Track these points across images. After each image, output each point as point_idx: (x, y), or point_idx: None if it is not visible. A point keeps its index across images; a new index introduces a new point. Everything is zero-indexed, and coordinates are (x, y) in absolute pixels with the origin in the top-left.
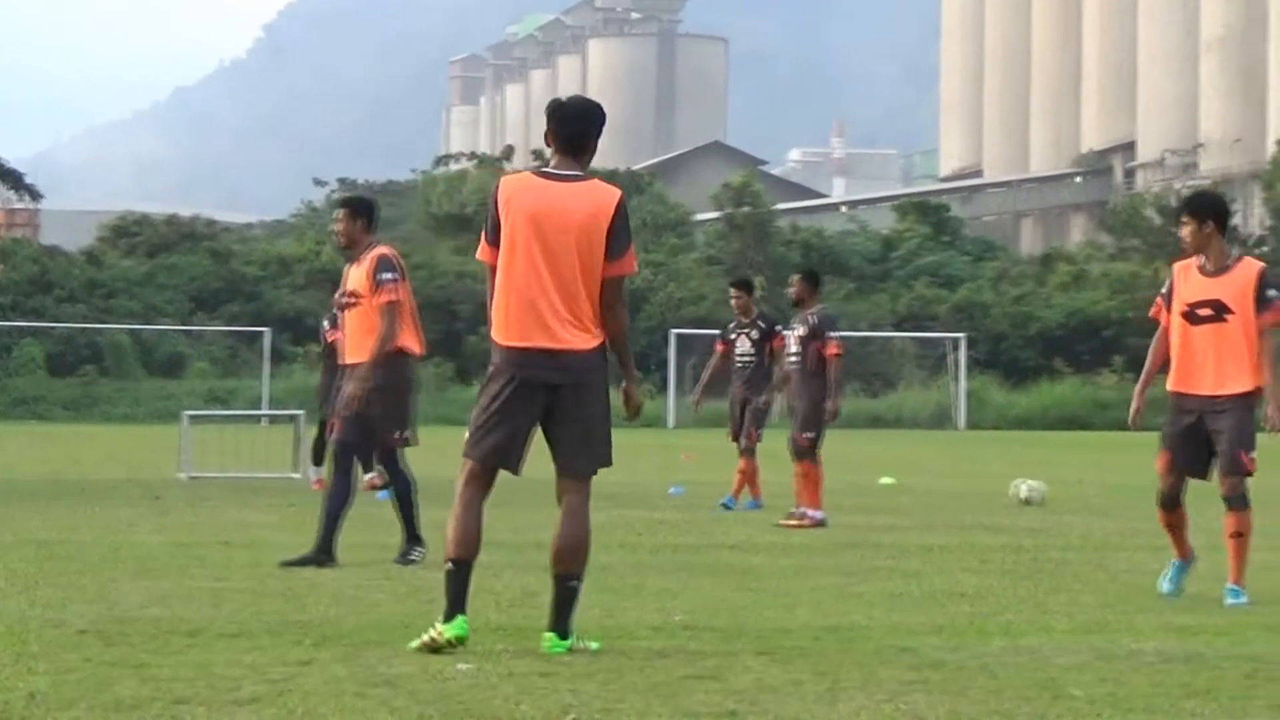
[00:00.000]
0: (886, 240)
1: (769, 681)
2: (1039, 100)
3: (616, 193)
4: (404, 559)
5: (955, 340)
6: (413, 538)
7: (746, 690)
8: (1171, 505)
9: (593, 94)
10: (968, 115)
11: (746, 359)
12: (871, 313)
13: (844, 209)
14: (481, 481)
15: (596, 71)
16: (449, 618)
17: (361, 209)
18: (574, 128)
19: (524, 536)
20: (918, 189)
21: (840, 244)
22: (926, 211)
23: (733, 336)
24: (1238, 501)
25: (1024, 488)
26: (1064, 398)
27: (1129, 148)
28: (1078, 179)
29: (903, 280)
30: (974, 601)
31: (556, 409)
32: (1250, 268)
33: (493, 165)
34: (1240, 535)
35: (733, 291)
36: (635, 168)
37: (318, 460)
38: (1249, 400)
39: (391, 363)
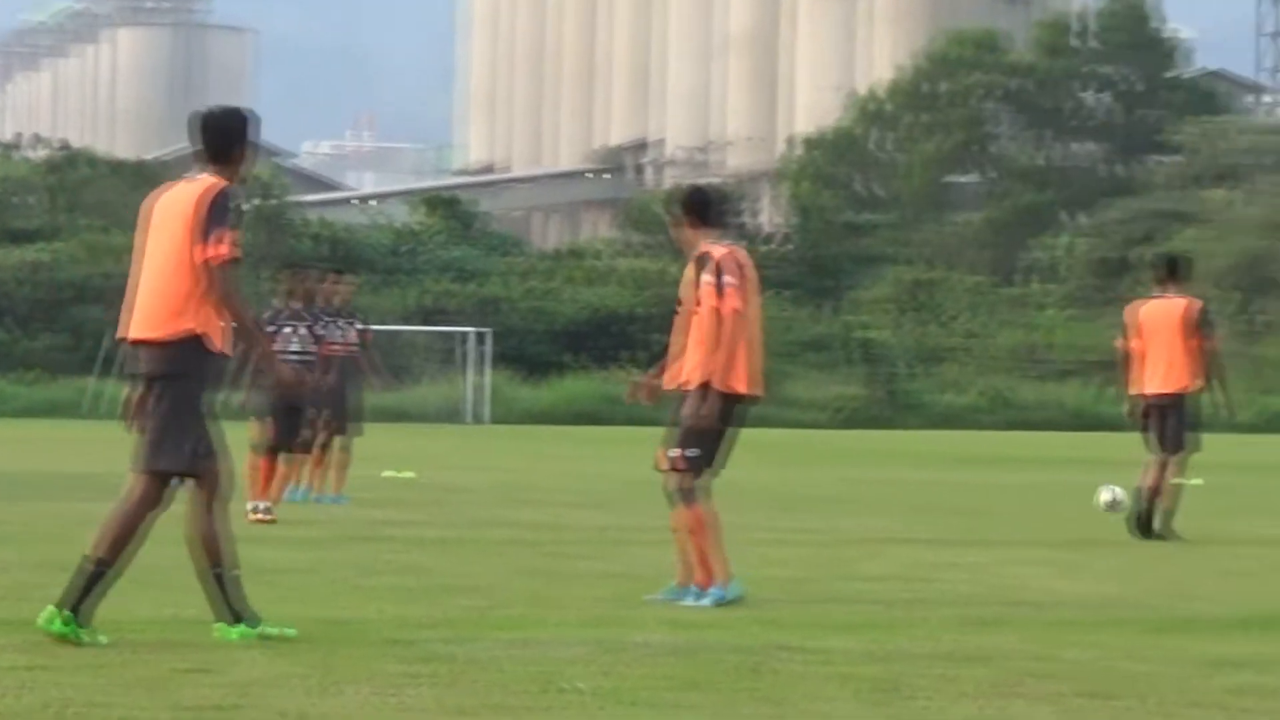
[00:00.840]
0: (406, 234)
1: (269, 674)
2: (562, 96)
3: (219, 183)
4: None
5: (474, 334)
6: None
7: (244, 683)
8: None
9: (117, 84)
10: (491, 110)
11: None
12: (390, 306)
13: (368, 202)
14: None
15: (119, 61)
16: None
17: None
18: (212, 137)
19: (34, 528)
20: (440, 183)
21: (360, 237)
22: (447, 205)
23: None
24: (676, 498)
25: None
26: (582, 393)
27: (649, 144)
28: (598, 175)
29: (421, 274)
30: (480, 595)
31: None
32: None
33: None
34: (683, 532)
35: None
36: (153, 157)
37: None
38: (698, 393)
39: None
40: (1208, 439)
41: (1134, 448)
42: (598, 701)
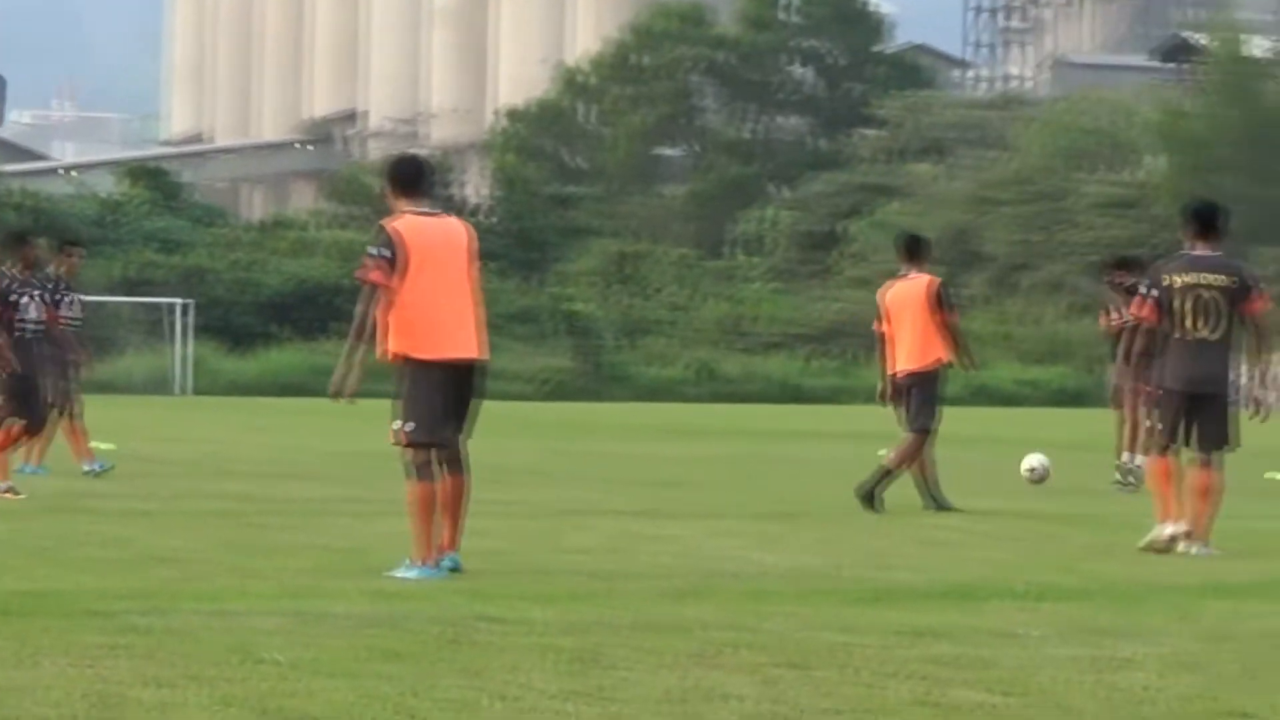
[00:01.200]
0: (110, 204)
1: None
2: (268, 67)
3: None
4: None
5: (179, 305)
6: None
7: None
8: None
9: None
10: (196, 80)
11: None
12: (93, 278)
13: (70, 172)
14: None
15: None
16: None
17: None
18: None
19: None
20: (144, 153)
21: (63, 208)
22: (152, 176)
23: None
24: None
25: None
26: (288, 364)
27: (354, 116)
28: (304, 146)
29: (126, 245)
30: (179, 566)
31: None
32: None
33: None
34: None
35: None
36: None
37: None
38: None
39: None
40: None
41: (835, 420)
42: (295, 672)
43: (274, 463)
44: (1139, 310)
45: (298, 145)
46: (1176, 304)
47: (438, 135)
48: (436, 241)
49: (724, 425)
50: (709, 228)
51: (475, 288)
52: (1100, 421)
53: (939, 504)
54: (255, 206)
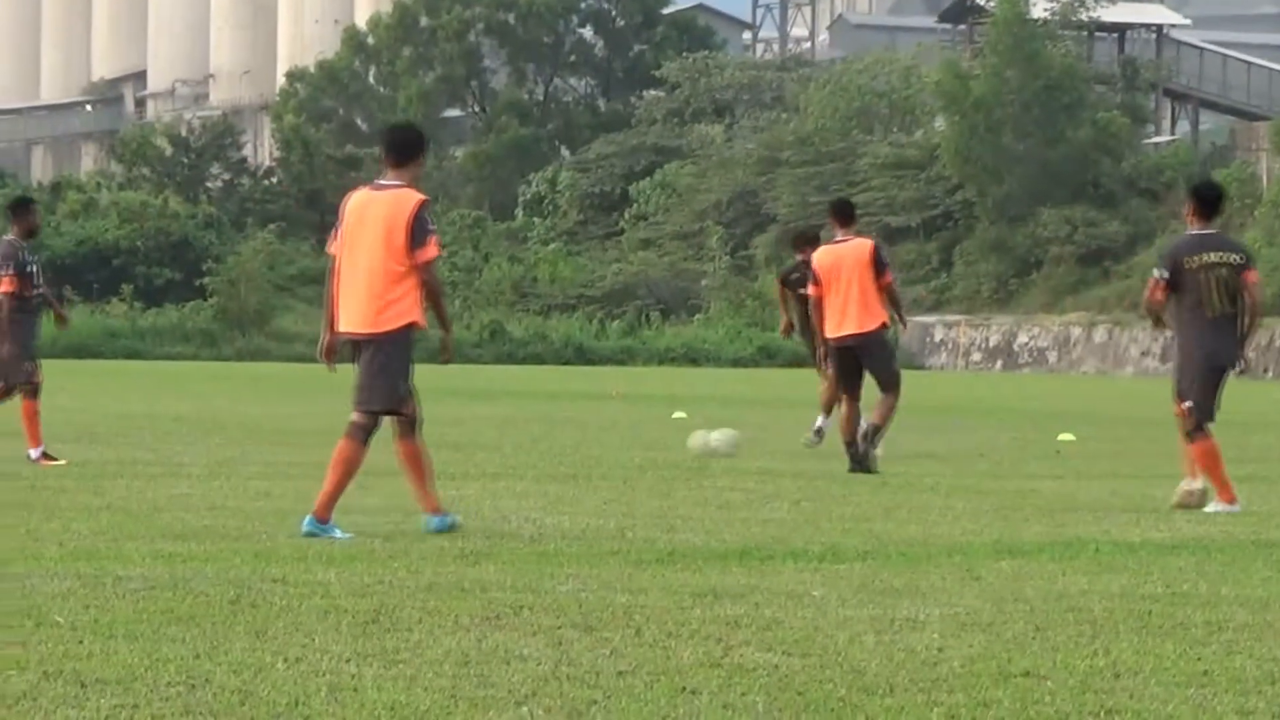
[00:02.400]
0: None
1: None
2: (50, 26)
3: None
4: None
5: None
6: None
7: None
8: None
9: None
10: None
11: None
12: None
13: None
14: None
15: None
16: None
17: None
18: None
19: None
20: None
21: None
22: None
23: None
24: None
25: (712, 438)
26: (75, 327)
27: (140, 77)
28: (89, 107)
29: None
30: None
31: None
32: None
33: None
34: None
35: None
36: None
37: None
38: None
39: None
40: (702, 373)
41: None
42: (84, 635)
43: (60, 425)
44: (1151, 293)
45: (85, 107)
46: (1201, 281)
47: (223, 96)
48: (368, 215)
49: (511, 386)
50: (496, 189)
51: (396, 260)
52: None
53: (863, 464)
54: (39, 168)
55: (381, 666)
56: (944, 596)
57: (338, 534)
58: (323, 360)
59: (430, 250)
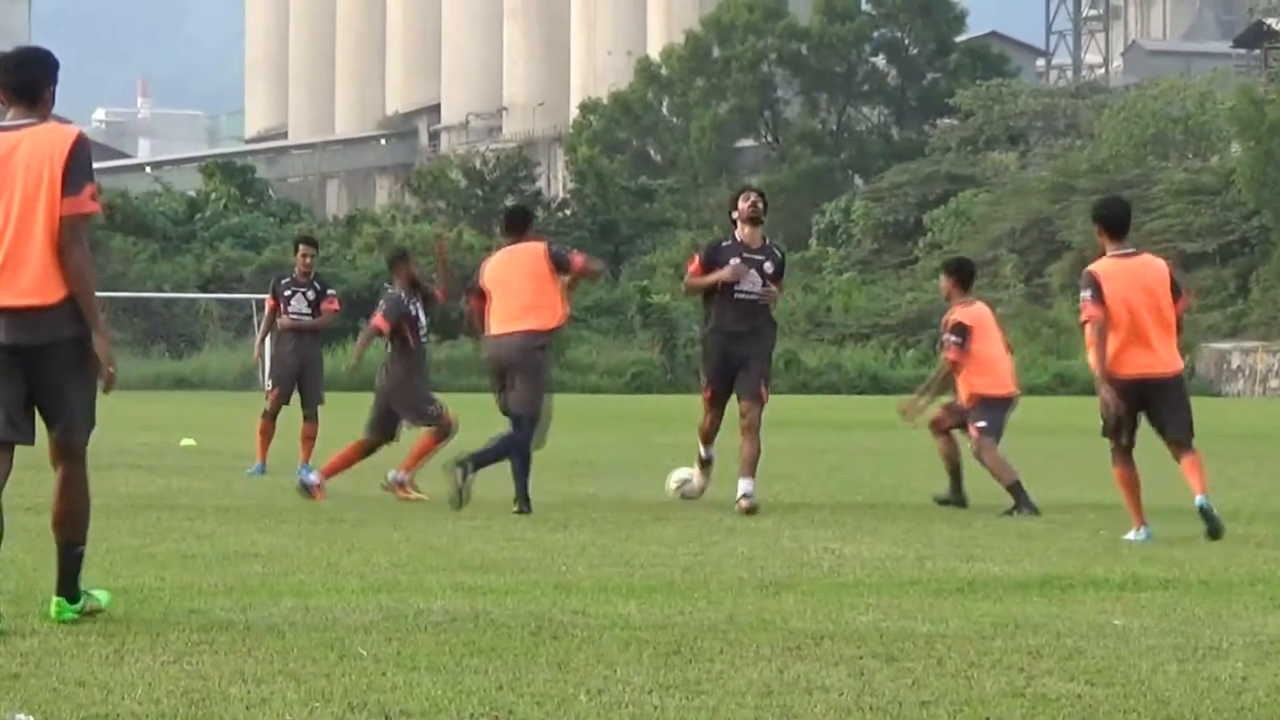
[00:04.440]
0: (191, 201)
1: (54, 644)
2: (344, 62)
3: (75, 130)
4: None
5: (260, 302)
6: None
7: (31, 653)
8: None
9: None
10: (273, 76)
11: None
12: (177, 274)
13: (149, 170)
14: None
15: None
16: None
17: None
18: (19, 76)
19: None
20: (223, 150)
21: (145, 205)
22: (232, 173)
23: (288, 294)
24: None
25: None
26: (369, 360)
27: (434, 110)
28: (383, 141)
29: (208, 242)
30: (266, 562)
31: (37, 371)
32: None
33: None
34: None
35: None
36: None
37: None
38: None
39: None
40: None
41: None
42: (387, 667)
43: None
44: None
45: (379, 140)
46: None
47: (516, 129)
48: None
49: (807, 416)
50: (789, 219)
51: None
52: None
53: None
54: (334, 202)
55: (684, 698)
56: (1247, 625)
57: None
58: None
59: None
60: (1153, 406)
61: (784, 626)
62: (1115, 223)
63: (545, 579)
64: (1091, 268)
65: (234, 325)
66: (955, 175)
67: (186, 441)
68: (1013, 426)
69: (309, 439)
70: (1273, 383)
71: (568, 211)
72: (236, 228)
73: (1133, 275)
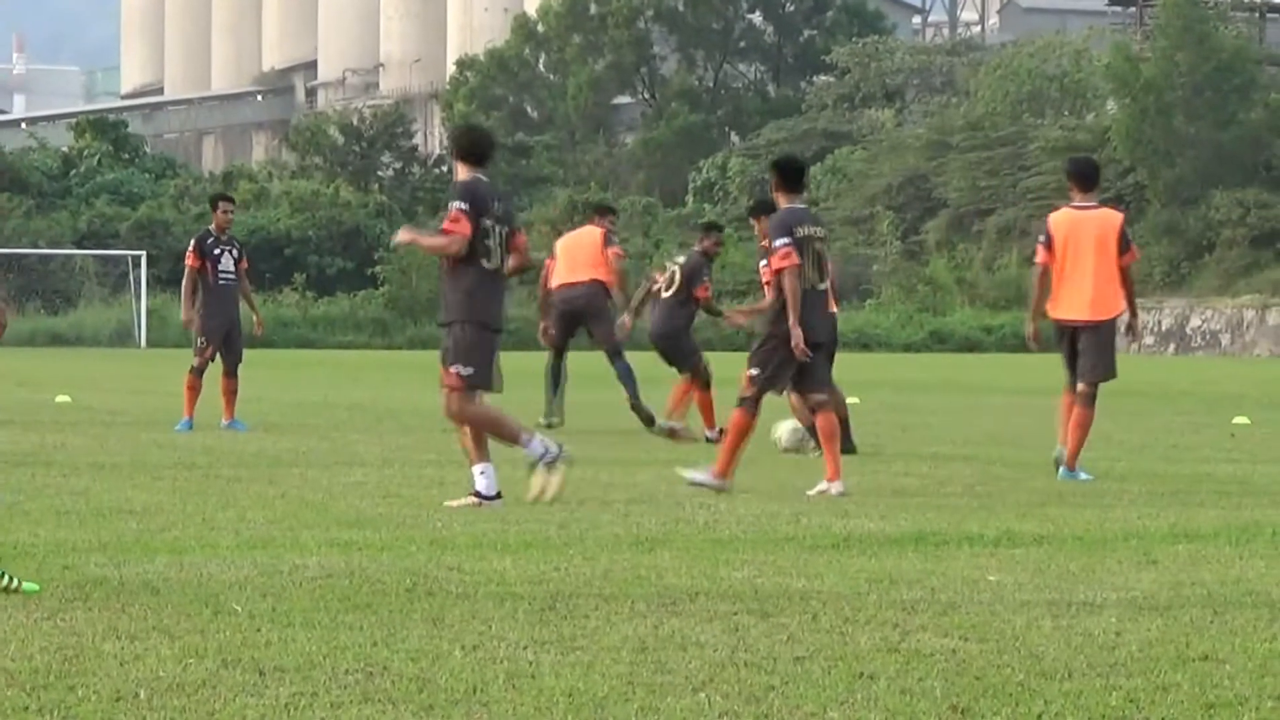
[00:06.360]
0: (66, 158)
1: None
2: (221, 17)
3: None
4: None
5: (135, 258)
6: None
7: None
8: None
9: None
10: (150, 31)
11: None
12: (52, 230)
13: (24, 126)
14: None
15: None
16: None
17: None
18: None
19: None
20: (99, 106)
21: (20, 161)
22: (106, 129)
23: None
24: None
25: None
26: (247, 315)
27: (310, 66)
28: (259, 97)
29: (83, 198)
30: (141, 518)
31: None
32: None
33: None
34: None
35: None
36: None
37: None
38: None
39: None
40: (873, 358)
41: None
42: (262, 623)
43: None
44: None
45: (255, 97)
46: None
47: (393, 85)
48: None
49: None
50: (666, 176)
51: None
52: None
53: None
54: (211, 157)
55: (559, 653)
56: (1121, 581)
57: None
58: None
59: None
60: (1077, 349)
61: (659, 582)
62: (1082, 177)
63: (421, 535)
64: (1050, 216)
65: (109, 281)
66: (832, 132)
67: (61, 398)
68: (890, 383)
69: (231, 393)
70: (1147, 340)
71: (444, 168)
72: (112, 184)
73: (1084, 225)
